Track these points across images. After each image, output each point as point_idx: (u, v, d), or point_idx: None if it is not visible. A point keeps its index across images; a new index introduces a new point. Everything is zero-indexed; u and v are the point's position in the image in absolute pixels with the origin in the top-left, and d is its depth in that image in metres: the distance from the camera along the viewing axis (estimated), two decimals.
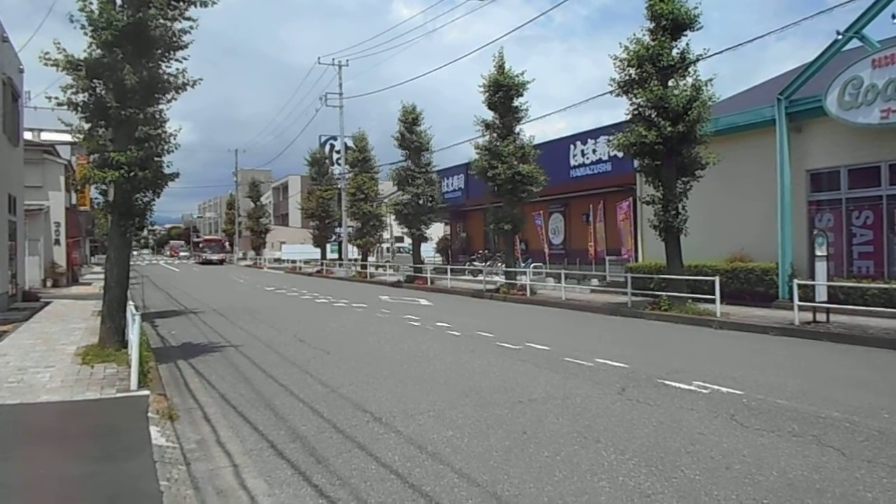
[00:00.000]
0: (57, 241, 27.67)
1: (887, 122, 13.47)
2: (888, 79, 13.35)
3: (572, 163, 24.39)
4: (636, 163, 15.93)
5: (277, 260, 58.82)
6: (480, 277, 24.26)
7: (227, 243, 72.02)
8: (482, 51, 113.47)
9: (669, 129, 14.12)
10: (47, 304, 18.13)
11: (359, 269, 36.28)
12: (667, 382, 7.76)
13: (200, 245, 71.13)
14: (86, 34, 9.13)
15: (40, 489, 4.44)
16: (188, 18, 9.80)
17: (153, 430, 5.73)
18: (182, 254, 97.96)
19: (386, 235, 41.93)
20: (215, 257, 64.07)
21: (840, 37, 14.15)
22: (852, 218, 14.92)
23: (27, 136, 24.16)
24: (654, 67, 14.55)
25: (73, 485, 4.52)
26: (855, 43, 14.23)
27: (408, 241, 36.14)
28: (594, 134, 23.42)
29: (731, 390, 7.30)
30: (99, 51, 9.17)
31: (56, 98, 9.22)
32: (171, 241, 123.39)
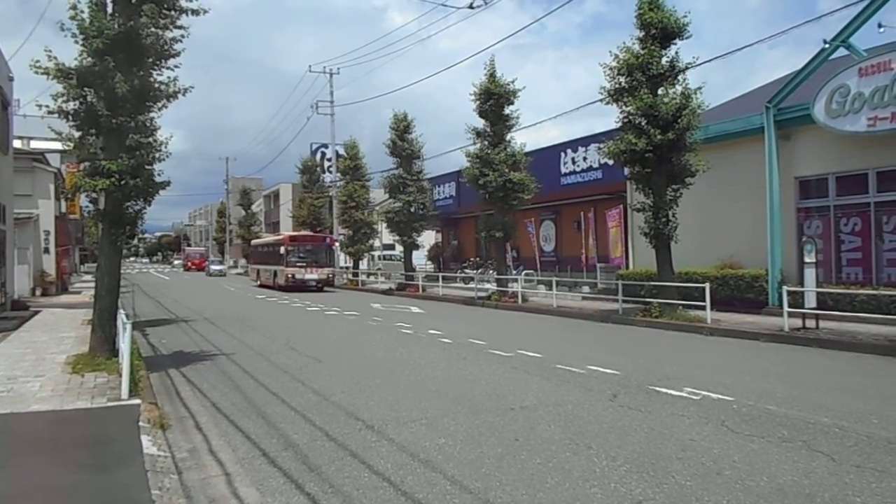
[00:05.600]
0: (46, 250, 27.53)
1: (874, 130, 13.62)
2: (875, 87, 13.51)
3: (563, 170, 24.50)
4: (626, 170, 16.02)
5: None
6: (472, 285, 24.28)
7: (335, 245, 35.73)
8: (476, 58, 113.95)
9: (659, 136, 14.22)
10: (37, 313, 18.02)
11: (350, 276, 36.22)
12: (658, 389, 7.79)
13: (283, 251, 31.80)
14: (77, 42, 9.13)
15: (32, 499, 4.41)
16: (180, 27, 9.85)
17: (145, 439, 5.71)
18: (215, 268, 56.13)
19: (377, 243, 41.77)
20: (313, 277, 30.95)
21: (827, 45, 14.31)
22: (841, 225, 15.06)
23: (17, 144, 24.04)
24: (643, 76, 14.66)
25: (64, 494, 4.50)
26: (842, 52, 14.39)
27: (398, 248, 35.97)
28: (585, 141, 23.55)
29: (721, 396, 7.34)
30: (90, 59, 9.16)
31: (46, 106, 9.19)
32: (188, 249, 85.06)
